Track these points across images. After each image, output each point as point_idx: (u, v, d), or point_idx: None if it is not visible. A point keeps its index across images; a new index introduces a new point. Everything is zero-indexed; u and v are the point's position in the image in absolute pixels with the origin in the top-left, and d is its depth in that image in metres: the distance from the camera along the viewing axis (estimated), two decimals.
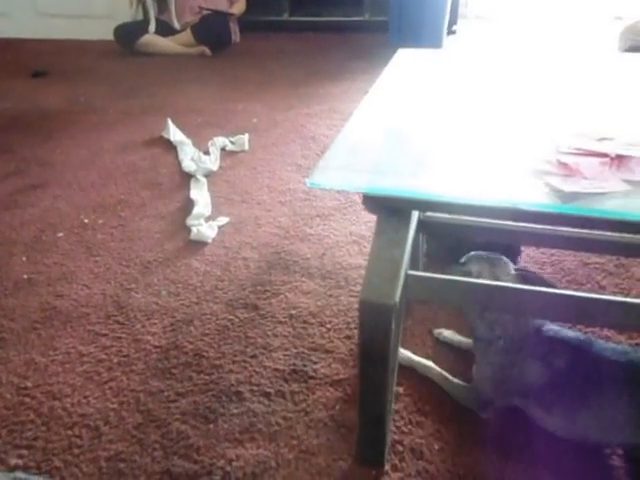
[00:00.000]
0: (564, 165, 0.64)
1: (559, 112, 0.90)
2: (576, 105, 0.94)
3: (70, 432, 0.97)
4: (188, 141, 2.12)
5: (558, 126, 0.81)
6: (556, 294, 0.71)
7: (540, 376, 0.85)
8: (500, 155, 0.74)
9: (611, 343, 0.93)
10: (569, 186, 0.61)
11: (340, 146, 0.79)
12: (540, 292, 0.71)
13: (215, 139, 2.11)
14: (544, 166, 0.66)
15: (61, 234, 1.57)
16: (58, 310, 1.27)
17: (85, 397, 1.04)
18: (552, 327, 0.87)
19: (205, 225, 1.57)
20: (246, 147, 2.10)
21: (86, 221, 1.64)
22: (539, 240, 0.99)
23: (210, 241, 1.51)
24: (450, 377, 1.01)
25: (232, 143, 2.12)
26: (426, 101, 0.97)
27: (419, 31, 3.27)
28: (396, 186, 0.67)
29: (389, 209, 0.71)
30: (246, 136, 2.14)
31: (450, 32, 3.70)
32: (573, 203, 0.59)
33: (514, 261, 1.09)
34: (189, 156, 2.00)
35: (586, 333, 1.08)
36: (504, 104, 0.95)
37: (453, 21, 3.76)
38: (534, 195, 0.62)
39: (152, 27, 3.62)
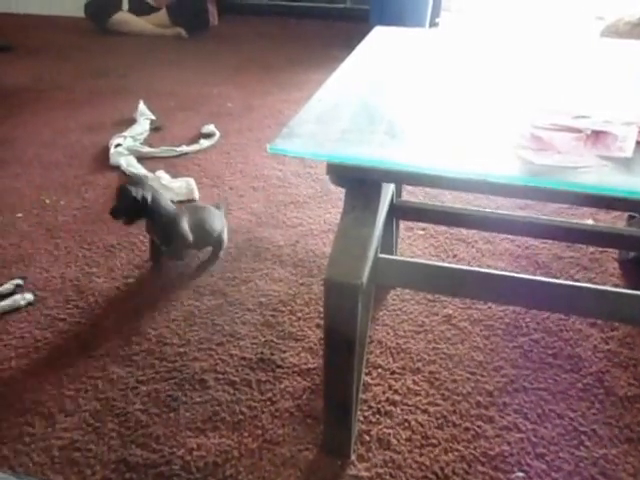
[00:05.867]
0: (538, 139, 0.64)
1: (537, 90, 0.90)
2: (554, 84, 0.94)
3: (22, 419, 0.93)
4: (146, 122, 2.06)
5: (535, 103, 0.80)
6: (527, 280, 0.71)
7: None
8: (474, 129, 0.73)
9: None
10: (541, 159, 0.61)
11: (306, 115, 0.76)
12: (510, 277, 0.71)
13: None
14: (518, 140, 0.65)
15: (20, 215, 1.52)
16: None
17: (40, 383, 1.00)
18: None
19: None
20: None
21: (47, 202, 1.58)
22: (514, 228, 0.99)
23: None
24: None
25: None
26: (400, 76, 0.96)
27: (401, 22, 3.26)
28: (362, 155, 0.65)
29: (356, 181, 0.69)
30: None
31: (432, 24, 3.71)
32: (544, 176, 0.58)
33: None
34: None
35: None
36: (481, 81, 0.94)
37: (436, 14, 3.77)
38: (505, 168, 0.61)
39: (125, 5, 3.53)
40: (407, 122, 0.76)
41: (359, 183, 0.70)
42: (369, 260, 0.68)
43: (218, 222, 1.32)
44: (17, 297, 1.18)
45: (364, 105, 0.81)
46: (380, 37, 1.18)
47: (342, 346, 0.73)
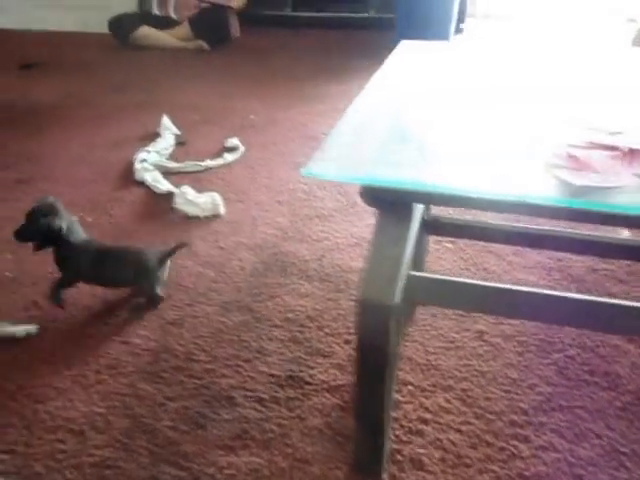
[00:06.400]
0: (574, 158, 0.64)
1: (570, 106, 0.90)
2: (587, 99, 0.94)
3: (53, 436, 0.96)
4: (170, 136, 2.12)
5: (569, 120, 0.80)
6: (561, 297, 0.71)
7: None
8: (508, 148, 0.74)
9: None
10: (579, 180, 0.61)
11: (338, 137, 0.78)
12: (543, 295, 0.71)
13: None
14: (554, 159, 0.66)
15: None
16: (43, 310, 1.26)
17: (70, 400, 1.03)
18: None
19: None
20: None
21: (74, 218, 1.63)
22: (548, 243, 0.99)
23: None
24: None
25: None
26: (430, 92, 0.97)
27: (426, 29, 3.28)
28: (396, 177, 0.66)
29: (389, 202, 0.71)
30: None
31: (458, 31, 3.72)
32: (583, 197, 0.59)
33: None
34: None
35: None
36: (513, 97, 0.95)
37: (461, 20, 3.78)
38: (542, 188, 0.62)
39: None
40: (440, 142, 0.77)
41: (392, 203, 0.71)
42: (401, 280, 0.69)
43: (131, 269, 1.24)
44: (20, 328, 1.18)
45: (395, 126, 0.83)
46: (406, 52, 1.20)
47: (375, 365, 0.74)
